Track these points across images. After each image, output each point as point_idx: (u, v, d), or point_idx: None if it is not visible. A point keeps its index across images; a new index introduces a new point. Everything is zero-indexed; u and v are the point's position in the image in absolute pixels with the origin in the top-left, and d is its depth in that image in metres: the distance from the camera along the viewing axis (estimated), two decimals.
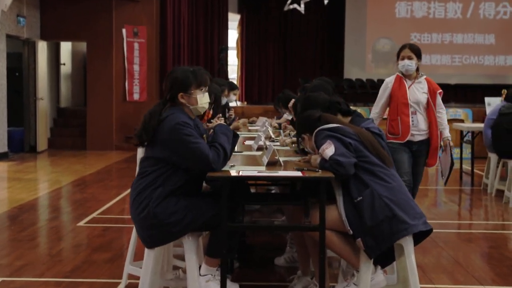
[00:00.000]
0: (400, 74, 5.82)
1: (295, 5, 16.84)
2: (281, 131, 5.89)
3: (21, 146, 13.83)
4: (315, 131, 3.97)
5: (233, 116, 8.47)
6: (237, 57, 19.21)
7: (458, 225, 7.11)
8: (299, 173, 3.68)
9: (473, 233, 6.59)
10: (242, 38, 19.07)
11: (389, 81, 5.90)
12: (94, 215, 6.96)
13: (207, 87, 3.95)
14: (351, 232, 3.73)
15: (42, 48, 13.95)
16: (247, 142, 5.84)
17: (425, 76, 5.88)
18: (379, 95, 5.98)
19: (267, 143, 5.51)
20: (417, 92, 5.76)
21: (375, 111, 5.97)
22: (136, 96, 14.58)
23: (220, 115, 6.40)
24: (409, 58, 5.70)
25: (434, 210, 7.77)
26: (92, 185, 9.19)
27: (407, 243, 3.73)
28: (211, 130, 3.92)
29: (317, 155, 3.94)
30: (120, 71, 14.43)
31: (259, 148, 5.15)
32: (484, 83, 17.93)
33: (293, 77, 18.19)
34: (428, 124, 5.76)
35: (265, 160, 4.03)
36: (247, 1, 18.94)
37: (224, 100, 7.72)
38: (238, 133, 7.41)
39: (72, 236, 6.08)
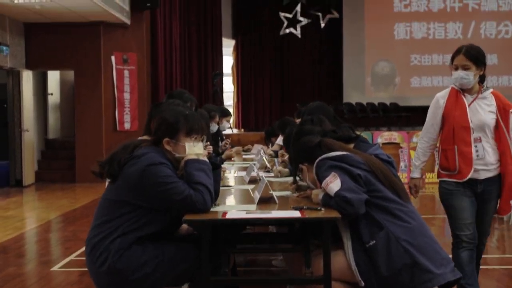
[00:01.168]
0: (456, 87, 4.27)
1: (291, 29, 16.38)
2: (276, 160, 5.17)
3: (7, 180, 13.14)
4: (317, 160, 3.30)
5: (227, 145, 7.81)
6: (233, 83, 18.65)
7: (482, 261, 6.36)
8: (297, 213, 3.01)
9: (497, 269, 5.86)
10: (237, 63, 18.54)
11: (441, 96, 4.37)
12: (72, 257, 6.25)
13: (202, 135, 3.29)
14: (362, 283, 3.04)
15: (27, 77, 13.34)
16: (239, 173, 5.18)
17: (491, 90, 4.30)
18: (428, 117, 4.42)
19: (261, 174, 4.86)
20: (481, 111, 4.20)
21: (424, 140, 4.43)
22: (127, 126, 13.92)
23: (208, 143, 5.76)
24: (465, 68, 4.12)
25: (443, 242, 7.02)
26: (75, 222, 8.48)
27: None
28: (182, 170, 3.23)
29: (319, 190, 3.27)
30: (109, 99, 13.80)
31: (252, 180, 4.49)
32: None
33: (291, 102, 17.61)
34: (499, 155, 4.22)
35: (257, 196, 3.36)
36: (241, 26, 18.43)
37: (215, 127, 7.08)
38: (231, 163, 6.79)
39: (41, 285, 5.35)
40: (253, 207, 3.22)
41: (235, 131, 16.40)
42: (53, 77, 15.26)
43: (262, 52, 18.50)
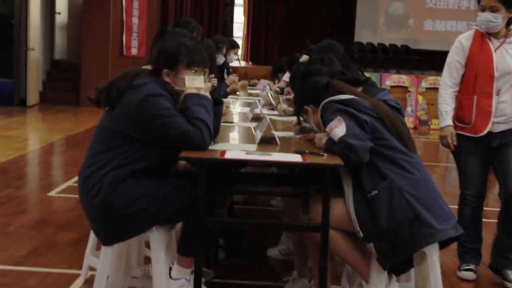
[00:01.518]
0: (481, 30, 3.89)
1: None
2: (281, 97, 5.02)
3: (11, 99, 13.02)
4: (323, 102, 3.16)
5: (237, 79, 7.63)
6: (244, 14, 18.27)
7: None
8: (298, 157, 2.89)
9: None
10: None
11: (465, 38, 4.00)
12: (70, 182, 6.19)
13: (204, 69, 3.12)
14: (361, 234, 2.95)
15: None
16: (243, 109, 5.05)
17: None
18: (450, 59, 4.04)
19: (265, 111, 4.74)
20: (508, 57, 3.86)
21: (448, 85, 4.02)
22: (134, 51, 13.72)
23: (213, 75, 5.60)
24: (492, 9, 3.75)
25: (443, 191, 6.94)
26: (76, 147, 8.39)
27: (432, 251, 2.96)
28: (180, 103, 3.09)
29: (323, 134, 3.15)
30: (117, 23, 13.55)
31: (255, 118, 4.37)
32: None
33: (301, 38, 17.24)
34: None
35: (258, 135, 3.24)
36: None
37: (222, 60, 6.90)
38: (235, 97, 6.65)
39: (38, 209, 5.32)
40: (253, 147, 3.10)
41: (243, 63, 16.16)
42: None
43: None
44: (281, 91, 6.84)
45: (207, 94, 3.10)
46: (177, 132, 2.87)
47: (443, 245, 3.04)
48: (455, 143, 4.00)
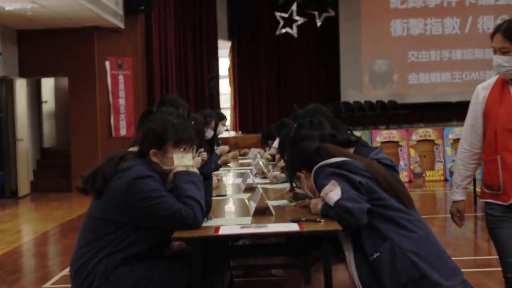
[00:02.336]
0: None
1: (287, 29, 16.20)
2: (270, 166, 4.95)
3: (2, 191, 12.92)
4: (315, 167, 3.10)
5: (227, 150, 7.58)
6: (230, 85, 18.44)
7: (485, 262, 6.17)
8: (294, 226, 2.80)
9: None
10: (234, 65, 18.34)
11: (483, 88, 3.26)
12: (65, 272, 6.02)
13: (192, 146, 3.08)
14: None
15: (20, 85, 13.11)
16: (236, 180, 4.98)
17: None
18: (467, 116, 3.31)
19: (257, 181, 4.67)
20: None
21: (465, 148, 3.30)
22: (122, 132, 13.71)
23: (202, 149, 5.55)
24: (503, 51, 3.05)
25: (445, 243, 6.80)
26: (70, 234, 8.23)
27: None
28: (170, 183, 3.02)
29: (318, 199, 3.07)
30: (104, 106, 13.59)
31: (248, 188, 4.29)
32: None
33: (288, 103, 17.39)
34: None
35: (252, 207, 3.16)
36: (237, 27, 18.21)
37: (211, 134, 6.86)
38: (227, 169, 6.58)
39: None
40: (248, 220, 3.01)
41: (232, 134, 16.21)
42: (48, 85, 15.05)
43: (258, 52, 18.29)
44: (273, 158, 6.79)
45: (196, 170, 3.03)
46: (168, 213, 2.78)
47: None
48: (463, 221, 3.42)
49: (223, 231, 2.75)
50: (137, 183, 2.81)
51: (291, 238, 3.42)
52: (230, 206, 3.68)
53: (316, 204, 3.06)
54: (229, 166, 6.90)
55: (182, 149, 3.00)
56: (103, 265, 2.81)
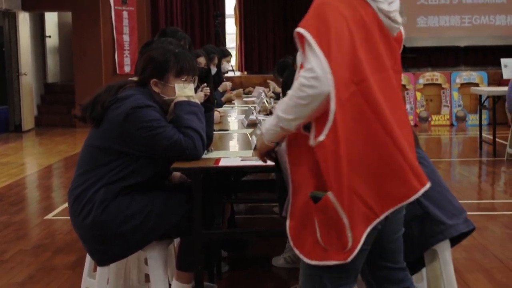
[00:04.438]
0: None
1: None
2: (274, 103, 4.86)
3: (6, 125, 12.91)
4: None
5: (230, 88, 7.51)
6: (235, 24, 18.17)
7: (489, 206, 6.16)
8: None
9: (506, 214, 5.64)
10: (240, 4, 18.01)
11: None
12: (67, 204, 6.03)
13: (194, 76, 2.99)
14: None
15: (23, 19, 12.96)
16: (238, 117, 4.92)
17: None
18: None
19: (260, 117, 4.61)
20: None
21: None
22: (127, 69, 13.60)
23: (205, 84, 5.48)
24: None
25: (450, 186, 6.79)
26: (73, 168, 8.21)
27: (444, 248, 2.81)
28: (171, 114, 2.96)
29: None
30: (108, 42, 13.43)
31: (251, 124, 4.24)
32: (496, 44, 16.86)
33: (294, 44, 17.08)
34: None
35: (254, 141, 3.10)
36: None
37: (213, 70, 6.76)
38: (230, 106, 6.52)
39: (35, 233, 5.17)
40: (249, 153, 2.96)
41: (238, 73, 16.07)
42: (51, 19, 14.88)
43: None
44: (277, 97, 6.72)
45: (197, 101, 2.96)
46: (169, 143, 2.73)
47: (454, 241, 2.90)
48: None
49: (223, 163, 2.70)
50: (136, 112, 2.75)
51: None
52: (232, 140, 3.63)
53: None
54: (233, 104, 6.83)
55: (183, 79, 2.92)
56: (101, 193, 2.77)
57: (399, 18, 2.19)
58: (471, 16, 17.14)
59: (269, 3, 18.00)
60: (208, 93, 5.14)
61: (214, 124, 4.48)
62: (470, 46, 17.18)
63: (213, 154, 2.92)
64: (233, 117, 5.11)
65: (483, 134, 9.36)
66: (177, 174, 3.21)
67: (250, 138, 3.17)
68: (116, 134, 2.78)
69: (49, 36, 14.73)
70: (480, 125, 9.29)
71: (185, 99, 2.88)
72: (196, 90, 4.30)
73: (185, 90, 2.90)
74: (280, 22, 18.15)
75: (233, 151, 3.02)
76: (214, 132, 3.87)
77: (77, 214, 2.83)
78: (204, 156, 2.85)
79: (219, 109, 5.68)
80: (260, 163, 2.65)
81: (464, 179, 7.40)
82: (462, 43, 16.97)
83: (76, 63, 13.48)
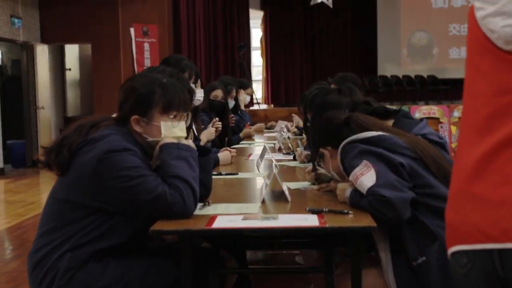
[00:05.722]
0: None
1: None
2: (299, 141, 4.22)
3: (23, 160, 12.47)
4: (343, 143, 2.42)
5: (246, 120, 6.92)
6: (262, 56, 17.71)
7: None
8: (314, 219, 2.13)
9: None
10: (266, 36, 17.58)
11: None
12: None
13: (185, 112, 2.41)
14: None
15: (42, 52, 12.61)
16: (252, 157, 4.31)
17: None
18: None
19: (278, 157, 4.00)
20: None
21: None
22: None
23: (217, 118, 4.90)
24: None
25: None
26: None
27: None
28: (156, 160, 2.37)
29: (346, 184, 2.40)
30: (129, 74, 12.93)
31: (266, 167, 3.62)
32: None
33: (322, 77, 16.57)
34: None
35: (262, 192, 2.49)
36: None
37: (231, 103, 6.20)
38: (249, 142, 5.92)
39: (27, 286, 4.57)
40: (255, 207, 2.35)
41: (264, 106, 15.53)
42: (72, 52, 14.54)
43: (292, 23, 17.53)
44: (300, 132, 6.12)
45: (190, 143, 2.36)
46: (150, 197, 2.14)
47: None
48: None
49: (218, 223, 2.09)
50: (110, 158, 2.16)
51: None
52: (238, 189, 3.01)
53: (343, 189, 2.38)
54: (252, 140, 6.24)
55: (172, 116, 2.33)
56: (67, 259, 2.19)
57: None
58: None
59: (295, 34, 17.57)
60: (220, 128, 4.57)
61: (226, 165, 3.90)
62: None
63: (208, 209, 2.31)
64: (250, 157, 4.47)
65: None
66: None
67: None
68: (85, 185, 2.20)
69: (69, 69, 14.38)
70: None
71: (174, 140, 2.29)
72: (201, 127, 3.71)
73: (173, 130, 2.30)
74: (308, 53, 17.71)
75: (236, 205, 2.40)
76: (221, 177, 3.27)
77: (37, 285, 2.25)
78: (197, 211, 2.25)
79: (235, 147, 5.10)
80: (265, 224, 2.05)
81: None
82: None
83: (97, 96, 13.04)
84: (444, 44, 16.57)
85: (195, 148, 2.37)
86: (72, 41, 13.64)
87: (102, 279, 2.19)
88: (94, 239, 2.20)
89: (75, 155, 2.23)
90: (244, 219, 2.14)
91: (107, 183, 2.16)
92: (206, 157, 2.43)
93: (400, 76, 16.00)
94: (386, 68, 16.65)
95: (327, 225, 2.03)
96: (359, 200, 2.22)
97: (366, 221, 2.08)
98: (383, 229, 2.23)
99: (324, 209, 2.21)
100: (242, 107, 6.86)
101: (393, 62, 16.75)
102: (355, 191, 2.27)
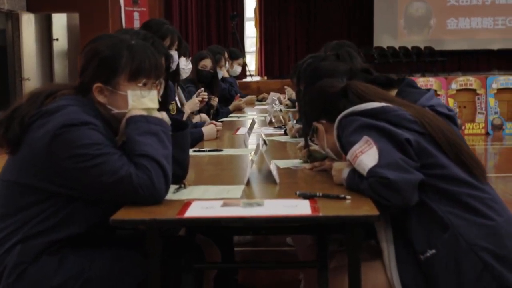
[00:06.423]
0: None
1: None
2: (291, 114, 3.86)
3: None
4: (340, 116, 2.09)
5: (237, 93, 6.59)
6: (255, 27, 17.30)
7: None
8: (305, 206, 1.81)
9: None
10: (261, 6, 17.14)
11: None
12: None
13: (157, 80, 2.06)
14: None
15: (28, 21, 12.22)
16: (240, 131, 3.99)
17: None
18: None
19: (268, 131, 3.69)
20: None
21: None
22: None
23: (202, 89, 4.56)
24: None
25: None
26: None
27: None
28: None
29: (343, 163, 2.08)
30: None
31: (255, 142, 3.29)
32: None
33: (317, 48, 16.09)
34: None
35: (247, 173, 2.17)
36: None
37: (220, 73, 5.86)
38: (239, 115, 5.58)
39: None
40: (238, 191, 2.03)
41: (257, 78, 15.18)
42: (59, 21, 14.10)
43: None
44: (293, 105, 5.80)
45: (163, 115, 2.03)
46: (112, 179, 1.81)
47: None
48: None
49: (192, 211, 1.77)
50: (66, 133, 1.83)
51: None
52: (221, 167, 2.67)
53: (340, 169, 2.06)
54: (243, 112, 5.91)
55: (141, 84, 2.00)
56: (17, 252, 1.87)
57: None
58: (505, 17, 16.18)
59: (290, 4, 17.16)
60: (206, 99, 4.21)
61: (211, 140, 3.59)
62: (504, 49, 16.19)
63: (184, 193, 1.99)
64: (238, 131, 4.14)
65: None
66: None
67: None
68: (38, 165, 1.87)
69: (57, 39, 13.96)
70: None
71: (143, 113, 1.96)
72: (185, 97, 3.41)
73: (143, 100, 1.97)
74: (303, 24, 17.33)
75: (217, 187, 2.07)
76: (203, 154, 2.96)
77: None
78: (170, 195, 1.93)
79: (223, 120, 4.78)
80: (247, 213, 1.73)
81: (508, 198, 6.38)
82: (495, 46, 16.05)
83: None
84: (442, 15, 16.24)
85: (169, 122, 2.04)
86: (59, 10, 13.24)
87: (57, 276, 1.87)
88: (49, 228, 1.89)
89: (27, 130, 1.90)
90: (223, 205, 1.82)
91: (63, 162, 1.83)
92: (182, 132, 2.10)
93: (397, 48, 15.67)
94: (383, 39, 16.32)
95: (320, 214, 1.71)
96: (358, 183, 1.91)
97: (366, 208, 1.76)
98: (385, 216, 1.91)
99: (318, 194, 1.89)
100: (227, 74, 6.45)
101: (389, 33, 16.42)
102: (354, 172, 1.95)
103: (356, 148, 1.93)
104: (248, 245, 4.41)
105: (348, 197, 1.86)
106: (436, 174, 1.91)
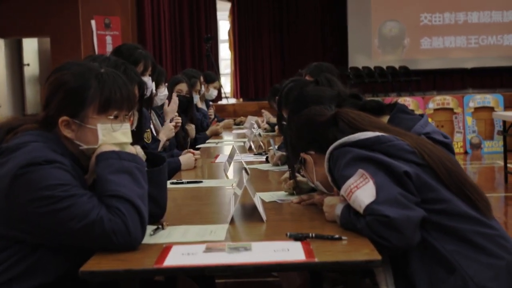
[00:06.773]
0: None
1: None
2: (272, 140, 3.68)
3: None
4: (331, 147, 1.92)
5: (212, 116, 6.42)
6: (230, 49, 17.21)
7: None
8: (297, 249, 1.63)
9: None
10: (234, 28, 17.07)
11: None
12: None
13: (130, 111, 1.88)
14: None
15: None
16: (219, 159, 3.80)
17: None
18: None
19: (248, 159, 3.52)
20: None
21: None
22: None
23: (176, 114, 4.35)
24: None
25: None
26: None
27: None
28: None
29: (336, 198, 1.91)
30: None
31: (238, 171, 3.13)
32: (505, 65, 16.00)
33: (292, 69, 16.09)
34: None
35: (231, 210, 1.99)
36: None
37: (195, 97, 5.68)
38: (216, 141, 5.40)
39: None
40: (221, 231, 1.84)
41: (233, 101, 15.04)
42: (30, 46, 13.90)
43: (260, 14, 17.08)
44: (272, 129, 5.64)
45: (138, 151, 1.84)
46: (82, 225, 1.62)
47: None
48: None
49: (172, 258, 1.57)
50: (29, 173, 1.64)
51: None
52: (201, 202, 2.48)
53: (333, 205, 1.89)
54: (220, 138, 5.73)
55: (112, 117, 1.81)
56: None
57: None
58: (478, 36, 16.27)
59: (264, 26, 17.12)
60: (180, 124, 4.02)
61: (188, 170, 3.40)
62: (477, 68, 16.28)
63: (163, 235, 1.80)
64: (217, 159, 3.94)
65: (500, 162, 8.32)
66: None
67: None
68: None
69: (28, 64, 13.74)
70: (505, 154, 8.15)
71: (115, 148, 1.77)
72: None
73: (114, 134, 1.79)
74: (277, 45, 17.29)
75: (198, 227, 1.88)
76: (181, 186, 2.77)
77: None
78: (147, 239, 1.74)
79: (198, 148, 4.59)
80: (232, 260, 1.55)
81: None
82: (469, 65, 16.12)
83: None
84: (415, 34, 16.32)
85: (144, 157, 1.86)
86: (30, 34, 13.05)
87: None
88: (12, 279, 1.69)
89: None
90: (206, 250, 1.63)
91: (25, 207, 1.64)
92: (159, 167, 1.91)
93: (372, 67, 15.67)
94: (357, 59, 16.34)
95: (316, 260, 1.53)
96: (354, 221, 1.74)
97: (366, 251, 1.59)
98: (384, 257, 1.74)
99: (311, 235, 1.71)
100: (200, 105, 6.13)
101: (364, 53, 16.47)
102: (348, 208, 1.78)
103: (350, 182, 1.76)
104: (230, 277, 4.22)
105: (344, 237, 1.69)
106: (439, 210, 1.74)
